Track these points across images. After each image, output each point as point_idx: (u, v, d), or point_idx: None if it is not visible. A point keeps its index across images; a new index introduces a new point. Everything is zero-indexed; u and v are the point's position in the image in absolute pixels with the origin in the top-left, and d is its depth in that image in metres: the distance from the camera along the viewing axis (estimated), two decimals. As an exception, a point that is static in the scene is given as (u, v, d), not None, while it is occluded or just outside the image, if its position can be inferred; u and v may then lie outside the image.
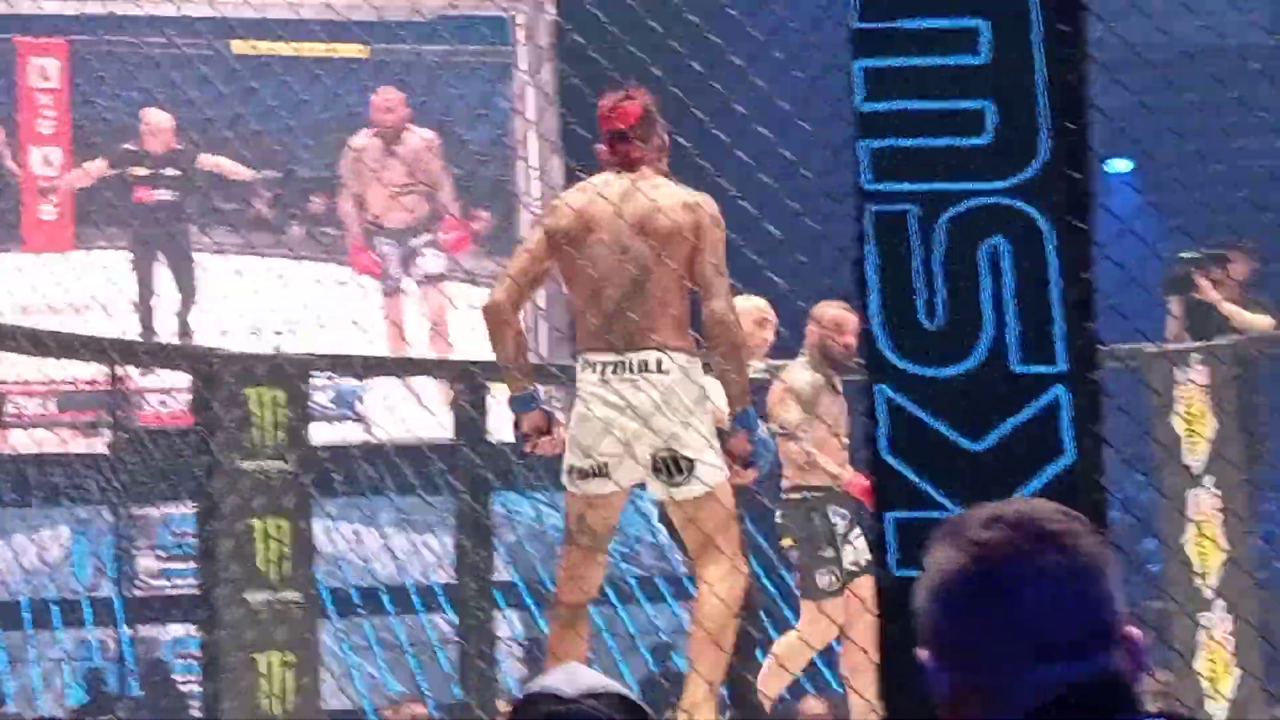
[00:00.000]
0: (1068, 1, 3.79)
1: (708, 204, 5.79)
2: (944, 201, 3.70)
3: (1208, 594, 8.54)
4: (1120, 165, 12.76)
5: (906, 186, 3.72)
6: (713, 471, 5.77)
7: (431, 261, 12.45)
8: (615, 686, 2.27)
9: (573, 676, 2.24)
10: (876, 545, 3.71)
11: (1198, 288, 9.13)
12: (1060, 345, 3.67)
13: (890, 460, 3.66)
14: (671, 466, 5.75)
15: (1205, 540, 8.59)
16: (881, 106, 3.75)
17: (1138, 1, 5.32)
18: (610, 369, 5.78)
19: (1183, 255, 9.25)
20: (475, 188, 12.69)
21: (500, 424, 8.79)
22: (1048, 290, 3.67)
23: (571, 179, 6.48)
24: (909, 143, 3.73)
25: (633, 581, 9.43)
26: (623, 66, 6.03)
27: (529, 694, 2.25)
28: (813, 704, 9.26)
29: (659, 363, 5.74)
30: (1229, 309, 9.14)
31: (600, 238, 5.79)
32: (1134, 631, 2.02)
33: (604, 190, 5.82)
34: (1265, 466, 9.09)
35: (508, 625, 10.24)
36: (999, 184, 3.68)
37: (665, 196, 5.78)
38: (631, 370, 5.75)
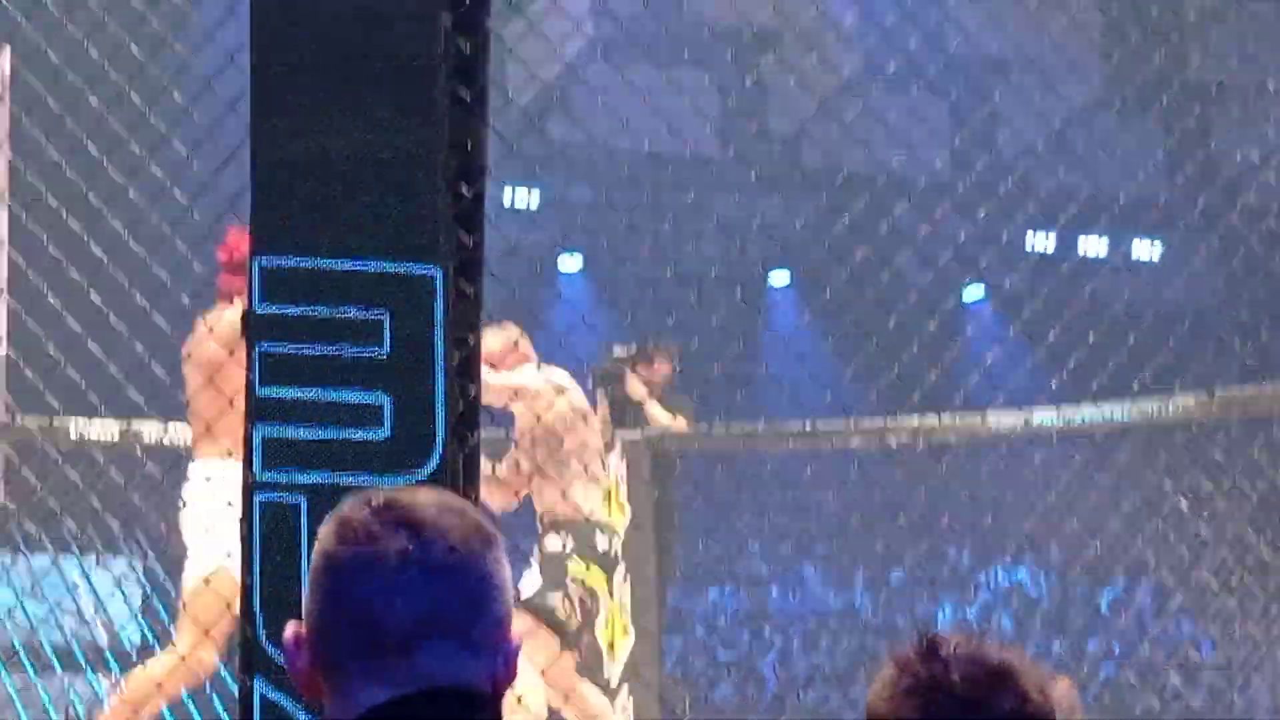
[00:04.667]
0: (468, 301, 3.68)
1: None
2: (336, 495, 3.57)
3: (613, 679, 8.73)
4: (571, 263, 12.84)
5: (297, 478, 3.57)
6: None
7: None
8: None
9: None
10: None
11: (627, 384, 9.37)
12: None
13: (262, 760, 3.50)
14: None
15: (616, 627, 8.78)
16: (276, 393, 3.60)
17: (609, 104, 5.41)
18: None
19: (615, 352, 9.49)
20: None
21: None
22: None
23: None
24: (303, 432, 3.58)
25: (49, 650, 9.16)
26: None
27: None
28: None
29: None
30: (650, 410, 9.42)
31: None
32: (513, 645, 1.93)
33: None
34: (674, 560, 9.36)
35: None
36: (395, 480, 3.52)
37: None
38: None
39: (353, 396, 3.58)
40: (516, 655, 1.94)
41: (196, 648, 6.10)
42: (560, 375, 7.41)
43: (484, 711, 1.90)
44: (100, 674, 10.21)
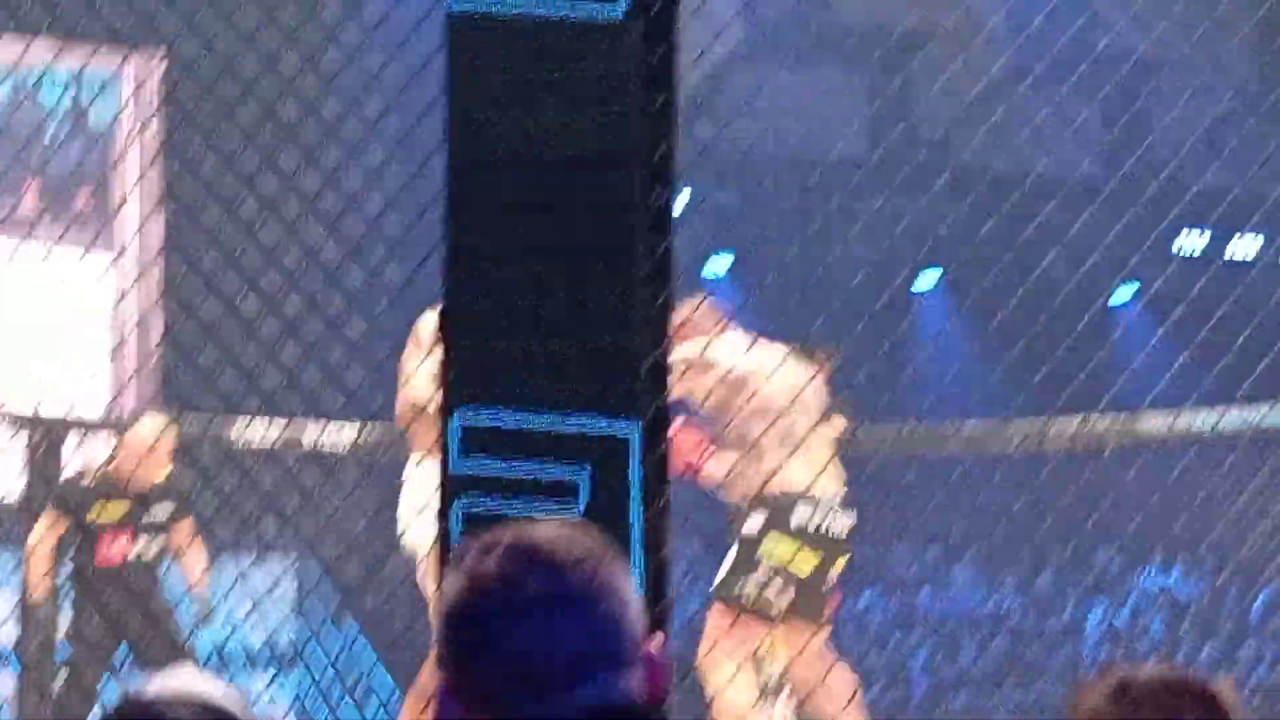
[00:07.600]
0: (659, 469, 3.64)
1: None
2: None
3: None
4: (718, 266, 12.84)
5: None
6: None
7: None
8: (211, 695, 2.14)
9: (171, 681, 2.14)
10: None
11: (780, 385, 9.33)
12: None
13: None
14: None
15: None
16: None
17: (752, 108, 5.43)
18: None
19: (767, 353, 9.44)
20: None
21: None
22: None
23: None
24: None
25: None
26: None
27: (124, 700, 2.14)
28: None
29: None
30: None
31: None
32: (654, 650, 1.95)
33: None
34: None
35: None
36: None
37: None
38: None
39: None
40: (661, 662, 1.96)
41: None
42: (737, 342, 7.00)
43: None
44: (256, 672, 10.32)
